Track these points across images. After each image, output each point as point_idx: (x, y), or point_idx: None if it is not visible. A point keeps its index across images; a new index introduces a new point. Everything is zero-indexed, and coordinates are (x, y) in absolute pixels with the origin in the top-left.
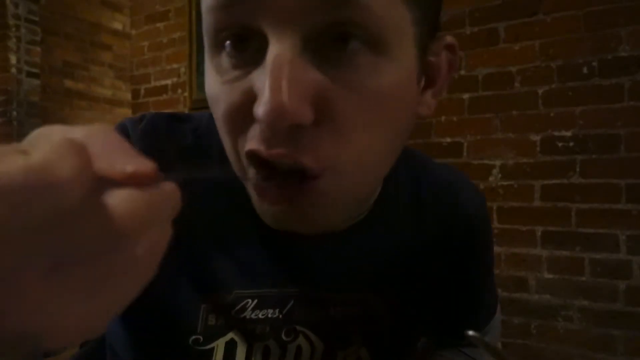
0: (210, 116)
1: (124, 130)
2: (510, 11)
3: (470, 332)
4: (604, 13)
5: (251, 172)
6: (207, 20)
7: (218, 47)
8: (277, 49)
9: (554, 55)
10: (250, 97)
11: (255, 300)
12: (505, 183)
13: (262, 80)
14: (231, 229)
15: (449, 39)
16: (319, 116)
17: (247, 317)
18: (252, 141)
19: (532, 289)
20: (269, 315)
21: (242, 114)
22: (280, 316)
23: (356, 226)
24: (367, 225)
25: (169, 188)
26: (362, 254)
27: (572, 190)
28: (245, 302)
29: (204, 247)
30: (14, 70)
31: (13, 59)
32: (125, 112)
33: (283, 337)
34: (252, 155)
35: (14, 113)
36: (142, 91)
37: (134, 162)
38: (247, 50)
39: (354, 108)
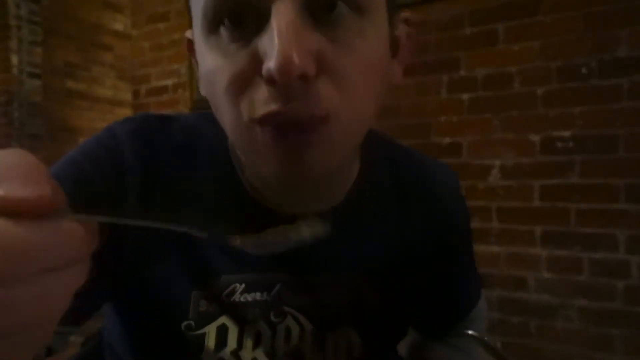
0: (198, 116)
1: (110, 133)
2: (510, 11)
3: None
4: (604, 13)
5: (264, 134)
6: (205, 2)
7: (216, 25)
8: (281, 13)
9: (553, 56)
10: (255, 62)
11: (243, 285)
12: (504, 183)
13: (268, 42)
14: (217, 216)
15: (406, 14)
16: (319, 70)
17: (237, 300)
18: (265, 105)
19: (531, 288)
20: (258, 298)
21: (247, 80)
22: (269, 298)
23: (339, 208)
24: (349, 208)
25: (68, 226)
26: (347, 236)
27: (571, 190)
28: (233, 286)
29: (191, 235)
30: (15, 70)
31: (14, 60)
32: (126, 113)
33: (272, 318)
34: (267, 118)
35: (16, 113)
36: (143, 91)
37: (18, 189)
38: (245, 23)
39: (347, 63)
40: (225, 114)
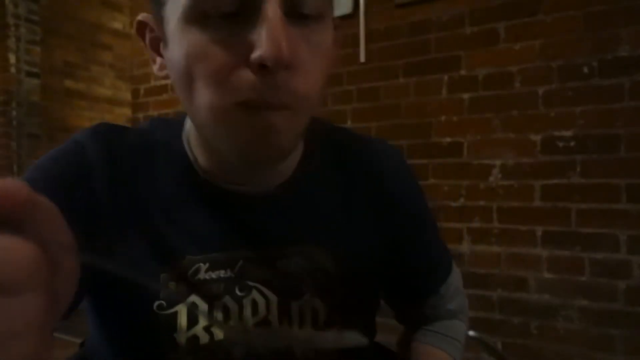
0: (149, 122)
1: (72, 139)
2: (510, 11)
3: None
4: (604, 13)
5: (241, 115)
6: None
7: (204, 14)
8: (272, 11)
9: (554, 55)
10: (241, 51)
11: (207, 264)
12: (505, 183)
13: (261, 33)
14: (178, 200)
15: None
16: (292, 62)
17: (202, 278)
18: (251, 90)
19: (532, 288)
20: (222, 275)
21: (232, 66)
22: (232, 275)
23: (287, 184)
24: (297, 184)
25: (12, 243)
26: (298, 209)
27: (572, 190)
28: (197, 266)
29: (155, 219)
30: (13, 70)
31: (13, 59)
32: (125, 112)
33: (237, 292)
34: (251, 101)
35: (14, 113)
36: (142, 91)
37: None
38: (235, 15)
39: (310, 57)
40: (202, 96)
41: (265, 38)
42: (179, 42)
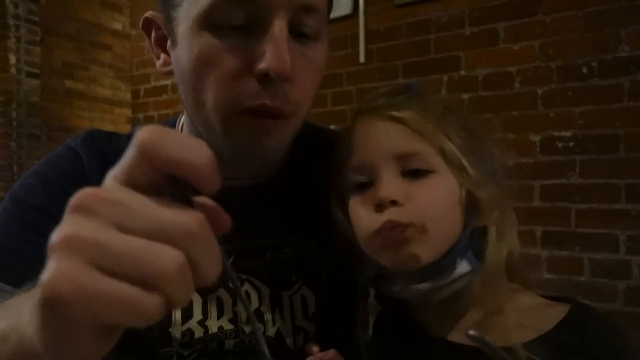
0: (139, 127)
1: (66, 145)
2: (510, 11)
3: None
4: (604, 13)
5: (243, 120)
6: (218, 9)
7: (217, 24)
8: (279, 28)
9: (553, 56)
10: (248, 61)
11: None
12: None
13: (268, 46)
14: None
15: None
16: (292, 75)
17: None
18: (254, 98)
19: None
20: None
21: (238, 73)
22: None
23: (276, 179)
24: (285, 177)
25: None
26: (286, 202)
27: (571, 191)
28: None
29: None
30: (13, 70)
31: (13, 59)
32: (125, 112)
33: (230, 285)
34: (253, 109)
35: (14, 113)
36: (142, 91)
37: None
38: (246, 26)
39: (306, 71)
40: (207, 98)
41: (272, 52)
42: (190, 44)
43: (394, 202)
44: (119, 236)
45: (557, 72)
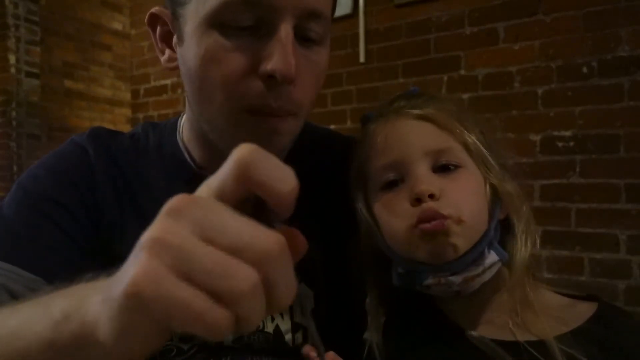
0: (140, 127)
1: (72, 142)
2: (510, 11)
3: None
4: (604, 13)
5: (249, 119)
6: (227, 10)
7: (225, 25)
8: (286, 31)
9: (553, 55)
10: (254, 62)
11: None
12: None
13: (274, 48)
14: (172, 194)
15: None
16: (296, 77)
17: None
18: (259, 98)
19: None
20: None
21: (244, 73)
22: None
23: None
24: None
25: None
26: None
27: (571, 190)
28: None
29: (150, 214)
30: (13, 70)
31: (12, 59)
32: (125, 112)
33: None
34: (259, 108)
35: (14, 113)
36: (142, 91)
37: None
38: (253, 28)
39: (309, 74)
40: (212, 96)
41: (277, 54)
42: (197, 42)
43: (431, 196)
44: (203, 247)
45: (557, 72)
